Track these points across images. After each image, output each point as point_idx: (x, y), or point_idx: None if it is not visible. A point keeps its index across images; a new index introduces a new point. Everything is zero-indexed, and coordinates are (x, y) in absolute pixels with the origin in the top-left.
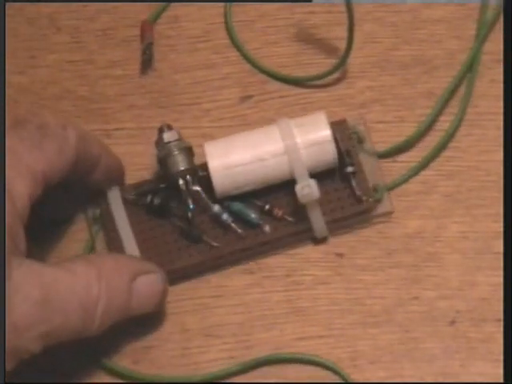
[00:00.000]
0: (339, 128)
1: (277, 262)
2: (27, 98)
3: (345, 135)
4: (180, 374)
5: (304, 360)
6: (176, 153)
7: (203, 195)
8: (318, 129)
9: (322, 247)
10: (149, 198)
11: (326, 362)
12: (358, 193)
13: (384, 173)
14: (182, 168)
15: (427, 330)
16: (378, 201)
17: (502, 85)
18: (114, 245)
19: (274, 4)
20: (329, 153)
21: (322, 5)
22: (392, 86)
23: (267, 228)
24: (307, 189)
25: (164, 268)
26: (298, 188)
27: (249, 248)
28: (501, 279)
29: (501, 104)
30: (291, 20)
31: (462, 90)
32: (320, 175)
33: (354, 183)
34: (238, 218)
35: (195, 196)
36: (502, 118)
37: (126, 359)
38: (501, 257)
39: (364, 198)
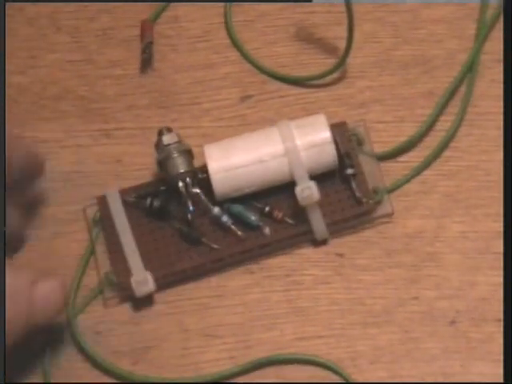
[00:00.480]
0: (339, 130)
1: (277, 262)
2: (27, 98)
3: (344, 137)
4: (179, 375)
5: (304, 360)
6: (176, 155)
7: (203, 197)
8: (318, 131)
9: (322, 247)
10: (148, 201)
11: (326, 362)
12: (358, 195)
13: (384, 173)
14: (182, 170)
15: (427, 330)
16: (378, 203)
17: (501, 85)
18: (114, 247)
19: (274, 4)
20: (329, 155)
21: (322, 5)
22: (392, 86)
23: (267, 230)
24: (307, 191)
25: (164, 270)
26: (297, 190)
27: (249, 250)
28: (501, 279)
29: (501, 104)
30: (291, 20)
31: (462, 89)
32: (320, 177)
33: (353, 185)
34: (238, 220)
35: (195, 198)
36: (501, 118)
37: (125, 359)
38: (501, 257)
39: (364, 199)
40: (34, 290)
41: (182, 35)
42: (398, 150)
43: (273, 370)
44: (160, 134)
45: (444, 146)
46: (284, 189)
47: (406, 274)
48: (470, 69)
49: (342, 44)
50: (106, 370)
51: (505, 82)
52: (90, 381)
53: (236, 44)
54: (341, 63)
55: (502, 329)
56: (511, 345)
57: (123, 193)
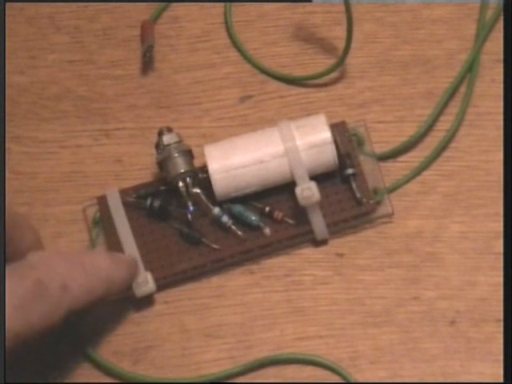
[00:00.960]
0: (339, 130)
1: (277, 262)
2: (27, 98)
3: (345, 137)
4: (180, 375)
5: (304, 360)
6: (176, 155)
7: (203, 197)
8: (318, 131)
9: (322, 247)
10: (149, 201)
11: (326, 362)
12: (358, 195)
13: (384, 173)
14: (182, 170)
15: (427, 330)
16: (378, 203)
17: (502, 85)
18: (114, 248)
19: (274, 4)
20: (329, 155)
21: (322, 5)
22: (392, 86)
23: (267, 230)
24: (307, 191)
25: (164, 271)
26: (298, 190)
27: (249, 250)
28: (501, 279)
29: (501, 104)
30: (291, 20)
31: (462, 90)
32: (320, 177)
33: (354, 185)
34: (239, 220)
35: (195, 198)
36: (501, 117)
37: (125, 359)
38: (501, 257)
39: (364, 200)
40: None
41: (181, 35)
42: (398, 150)
43: (273, 370)
44: (160, 133)
45: (444, 146)
46: (284, 189)
47: (405, 274)
48: (470, 69)
49: (342, 44)
50: (106, 370)
51: (505, 82)
52: (90, 381)
53: (236, 44)
54: (340, 63)
55: (502, 329)
56: (511, 345)
57: (123, 193)
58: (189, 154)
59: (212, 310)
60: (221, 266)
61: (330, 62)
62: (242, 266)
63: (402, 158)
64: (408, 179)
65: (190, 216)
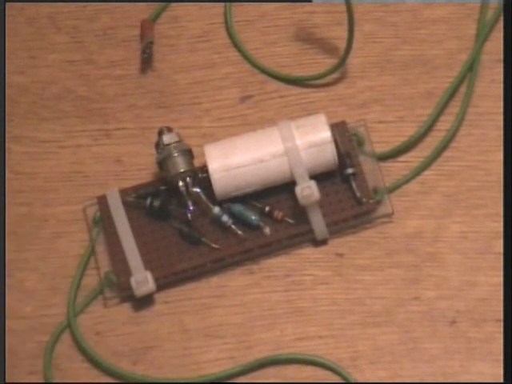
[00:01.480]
0: (339, 130)
1: (277, 262)
2: (27, 98)
3: (345, 137)
4: (180, 375)
5: (304, 360)
6: (176, 155)
7: (203, 197)
8: (318, 130)
9: (322, 247)
10: (149, 201)
11: (326, 362)
12: (358, 195)
13: (384, 173)
14: (182, 170)
15: (427, 330)
16: (378, 203)
17: (501, 85)
18: (114, 247)
19: (273, 4)
20: (329, 154)
21: (322, 5)
22: (392, 86)
23: (267, 230)
24: (307, 190)
25: (164, 270)
26: (298, 189)
27: (249, 250)
28: (501, 279)
29: (501, 104)
30: (291, 20)
31: (462, 90)
32: (320, 177)
33: (354, 185)
34: (239, 219)
35: (195, 198)
36: (501, 117)
37: (125, 359)
38: (501, 257)
39: (364, 199)
40: None
41: (181, 35)
42: (397, 149)
43: (273, 370)
44: (160, 133)
45: (444, 145)
46: (284, 189)
47: (406, 274)
48: (470, 69)
49: (342, 44)
50: (106, 370)
51: (505, 82)
52: (90, 381)
53: (236, 44)
54: (341, 63)
55: (502, 329)
56: (511, 345)
57: (123, 193)
58: (189, 154)
59: (212, 309)
60: (221, 265)
61: (330, 61)
62: (242, 266)
63: (401, 158)
64: (408, 179)
65: (189, 215)
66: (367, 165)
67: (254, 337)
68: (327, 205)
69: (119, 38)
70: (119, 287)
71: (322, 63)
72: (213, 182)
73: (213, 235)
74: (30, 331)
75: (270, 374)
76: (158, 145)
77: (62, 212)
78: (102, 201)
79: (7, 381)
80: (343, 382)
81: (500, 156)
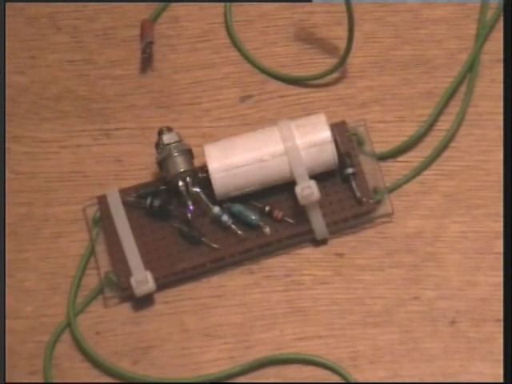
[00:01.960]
0: (339, 130)
1: (277, 262)
2: (27, 98)
3: (345, 137)
4: (180, 375)
5: (304, 360)
6: (176, 154)
7: (203, 197)
8: (318, 130)
9: (322, 247)
10: (149, 200)
11: (326, 362)
12: (358, 194)
13: (384, 173)
14: (182, 169)
15: (427, 330)
16: (378, 202)
17: (502, 85)
18: (114, 247)
19: (273, 4)
20: (329, 154)
21: (322, 5)
22: (392, 86)
23: (267, 230)
24: (307, 190)
25: (164, 270)
26: (298, 189)
27: (249, 250)
28: (501, 279)
29: (501, 104)
30: (291, 20)
31: (462, 90)
32: (320, 177)
33: (354, 185)
34: (239, 219)
35: (195, 198)
36: (501, 117)
37: (125, 359)
38: (501, 257)
39: (364, 199)
40: None
41: (181, 35)
42: (398, 149)
43: (273, 370)
44: (160, 133)
45: (444, 145)
46: (284, 188)
47: (406, 274)
48: (470, 69)
49: (342, 44)
50: (106, 370)
51: (505, 82)
52: (90, 381)
53: (236, 44)
54: (341, 63)
55: (502, 329)
56: (511, 345)
57: (123, 193)
58: (189, 154)
59: (212, 309)
60: (221, 265)
61: (330, 61)
62: (242, 266)
63: (401, 158)
64: (408, 179)
65: (189, 215)
66: (367, 165)
67: (254, 337)
68: (327, 205)
69: (119, 38)
70: (119, 287)
71: (321, 63)
72: (213, 181)
73: (213, 235)
74: (30, 331)
75: (270, 373)
76: (158, 145)
77: (62, 212)
78: (102, 201)
79: (7, 381)
80: (343, 382)
81: (500, 156)
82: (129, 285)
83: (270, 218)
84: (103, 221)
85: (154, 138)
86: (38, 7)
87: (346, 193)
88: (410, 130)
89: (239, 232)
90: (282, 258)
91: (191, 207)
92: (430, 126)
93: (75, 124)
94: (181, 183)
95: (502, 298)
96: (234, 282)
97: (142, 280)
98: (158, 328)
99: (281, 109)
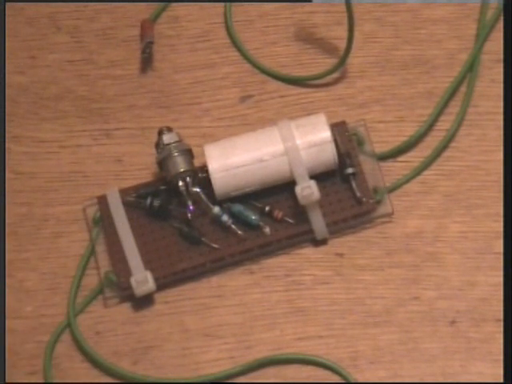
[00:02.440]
0: (339, 130)
1: (277, 262)
2: (27, 98)
3: (345, 137)
4: (180, 375)
5: (304, 360)
6: (176, 154)
7: (203, 197)
8: (318, 130)
9: (322, 247)
10: (149, 200)
11: (326, 362)
12: (358, 194)
13: (384, 173)
14: (182, 169)
15: (427, 330)
16: (378, 202)
17: (502, 85)
18: (114, 247)
19: (273, 4)
20: (329, 154)
21: (321, 5)
22: (392, 86)
23: (267, 230)
24: (307, 190)
25: (164, 270)
26: (298, 189)
27: (249, 250)
28: (501, 279)
29: (501, 104)
30: (291, 20)
31: (462, 90)
32: (320, 177)
33: (354, 185)
34: (238, 219)
35: (195, 197)
36: (501, 117)
37: (125, 359)
38: (501, 257)
39: (364, 199)
40: None
41: (182, 35)
42: (398, 149)
43: (273, 370)
44: (160, 133)
45: (444, 145)
46: (284, 188)
47: (406, 274)
48: (470, 69)
49: (342, 44)
50: (106, 370)
51: (505, 82)
52: (90, 381)
53: (236, 44)
54: (341, 63)
55: (502, 329)
56: (511, 345)
57: (123, 193)
58: (189, 154)
59: (212, 309)
60: (221, 265)
61: (330, 61)
62: (242, 266)
63: (401, 158)
64: (408, 179)
65: (189, 215)
66: (367, 165)
67: (254, 337)
68: (327, 205)
69: (119, 38)
70: (119, 287)
71: (321, 63)
72: (213, 181)
73: (213, 235)
74: (30, 331)
75: (270, 374)
76: (158, 145)
77: (62, 212)
78: (102, 201)
79: (7, 381)
80: (343, 381)
81: (500, 156)
82: (129, 285)
83: (270, 218)
84: (103, 221)
85: (154, 137)
86: (38, 7)
87: (346, 193)
88: (409, 130)
89: (239, 232)
90: (281, 258)
91: (191, 207)
92: (430, 126)
93: (75, 124)
94: (181, 183)
95: (501, 298)
96: (234, 281)
97: (142, 280)
98: (158, 328)
99: (281, 109)
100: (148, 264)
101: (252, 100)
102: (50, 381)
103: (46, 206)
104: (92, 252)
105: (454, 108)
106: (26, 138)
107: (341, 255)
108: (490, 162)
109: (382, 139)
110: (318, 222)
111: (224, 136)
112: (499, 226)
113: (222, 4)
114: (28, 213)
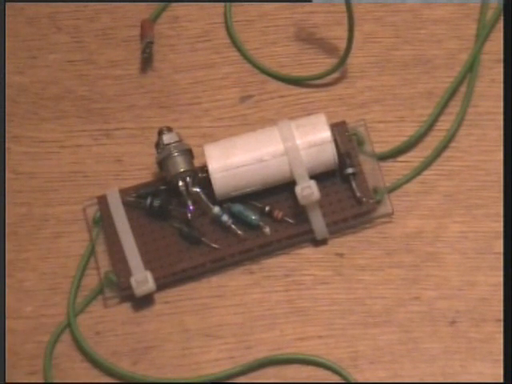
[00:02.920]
0: (339, 130)
1: (277, 262)
2: (27, 98)
3: (345, 137)
4: (180, 375)
5: (304, 360)
6: (176, 154)
7: (203, 197)
8: (318, 130)
9: (322, 247)
10: (149, 200)
11: (326, 362)
12: (359, 194)
13: (384, 173)
14: (182, 169)
15: (427, 330)
16: (378, 202)
17: (502, 85)
18: (114, 247)
19: (273, 4)
20: (329, 154)
21: (321, 5)
22: (392, 86)
23: (267, 230)
24: (307, 190)
25: (164, 270)
26: (298, 189)
27: (249, 250)
28: (501, 279)
29: (501, 104)
30: (291, 20)
31: (462, 90)
32: (320, 177)
33: (354, 185)
34: (238, 219)
35: (195, 198)
36: (501, 117)
37: (125, 359)
38: (501, 257)
39: (364, 199)
40: None
41: (181, 35)
42: (397, 149)
43: (273, 370)
44: (160, 133)
45: (444, 145)
46: (284, 188)
47: (406, 274)
48: (470, 69)
49: (342, 44)
50: (105, 370)
51: (505, 82)
52: (90, 381)
53: (236, 44)
54: (341, 63)
55: (502, 329)
56: (511, 345)
57: (123, 193)
58: (189, 154)
59: (212, 310)
60: (221, 265)
61: (330, 61)
62: (242, 266)
63: (401, 158)
64: (408, 179)
65: (189, 215)
66: (367, 165)
67: (254, 337)
68: (327, 205)
69: (119, 38)
70: (119, 287)
71: (321, 63)
72: (213, 181)
73: (213, 235)
74: (30, 331)
75: (270, 374)
76: (158, 145)
77: (62, 212)
78: (102, 201)
79: (7, 381)
80: (343, 382)
81: (500, 156)
82: (129, 285)
83: (270, 218)
84: (103, 221)
85: (154, 137)
86: (38, 7)
87: (346, 193)
88: (409, 130)
89: (239, 232)
90: (281, 258)
91: (191, 207)
92: (429, 126)
93: (75, 124)
94: (181, 183)
95: (502, 298)
96: (234, 281)
97: (142, 280)
98: (158, 328)
99: (281, 109)
100: (148, 264)
101: (252, 100)
102: (50, 381)
103: (46, 206)
104: (92, 252)
105: (454, 108)
106: (25, 138)
107: (341, 255)
108: (490, 162)
109: (382, 139)
110: (317, 221)
111: (224, 136)
112: (499, 226)
113: (222, 4)
114: (28, 213)
